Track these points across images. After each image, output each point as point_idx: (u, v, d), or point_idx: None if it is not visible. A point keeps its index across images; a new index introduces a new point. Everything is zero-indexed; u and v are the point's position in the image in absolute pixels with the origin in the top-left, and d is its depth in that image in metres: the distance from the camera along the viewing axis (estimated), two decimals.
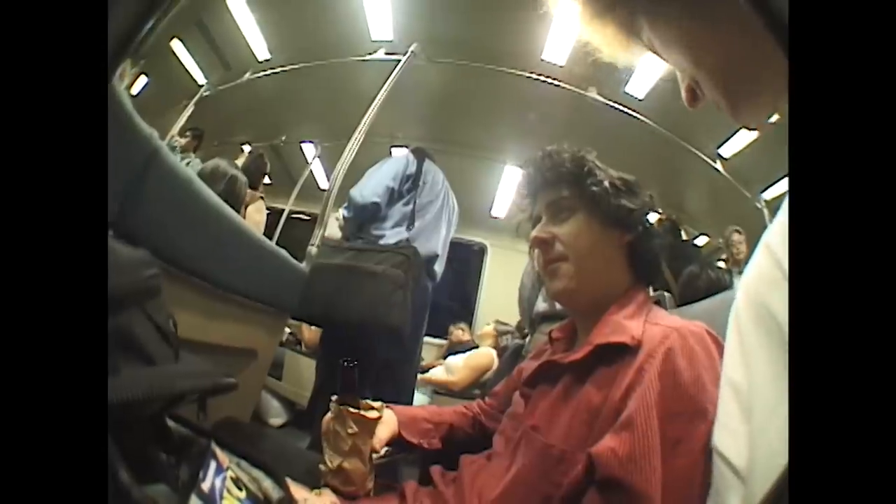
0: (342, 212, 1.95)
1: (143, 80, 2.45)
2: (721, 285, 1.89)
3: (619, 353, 0.65)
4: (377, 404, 0.83)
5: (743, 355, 0.47)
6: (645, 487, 0.53)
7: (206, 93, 3.16)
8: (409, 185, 1.96)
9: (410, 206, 1.93)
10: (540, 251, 0.78)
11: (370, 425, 0.80)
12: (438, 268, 2.00)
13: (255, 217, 2.29)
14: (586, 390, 0.66)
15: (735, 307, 0.51)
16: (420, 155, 2.05)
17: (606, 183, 0.76)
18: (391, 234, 1.88)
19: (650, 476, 0.53)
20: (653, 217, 0.80)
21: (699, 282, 1.94)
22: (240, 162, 2.44)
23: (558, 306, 1.72)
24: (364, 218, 1.91)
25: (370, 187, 1.91)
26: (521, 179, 0.85)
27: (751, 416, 0.44)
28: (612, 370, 0.64)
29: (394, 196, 1.92)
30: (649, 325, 0.67)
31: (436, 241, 1.96)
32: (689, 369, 0.58)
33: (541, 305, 1.77)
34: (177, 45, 2.96)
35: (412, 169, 1.98)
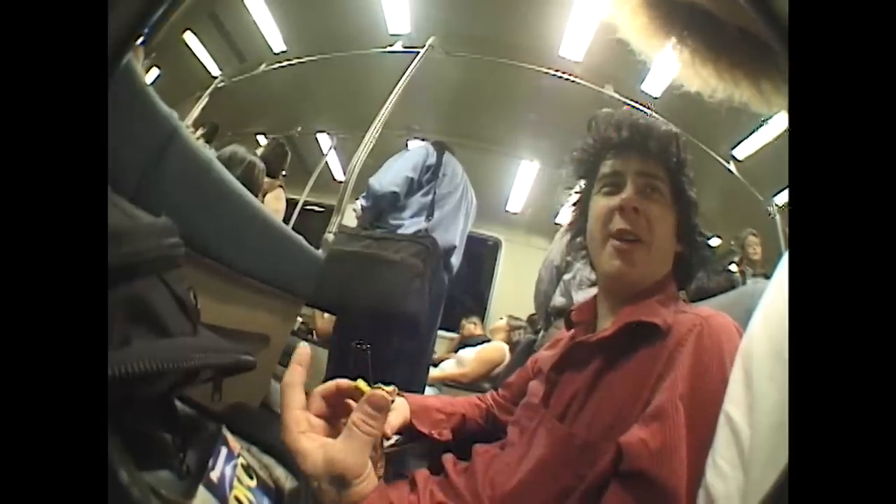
0: (360, 201, 1.95)
1: (154, 72, 2.45)
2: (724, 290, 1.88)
3: (649, 337, 0.63)
4: (389, 388, 0.82)
5: (748, 396, 0.46)
6: (673, 481, 0.52)
7: (221, 84, 3.16)
8: (429, 175, 1.96)
9: (430, 197, 1.93)
10: (623, 219, 0.72)
11: None
12: (455, 260, 2.00)
13: (273, 205, 2.31)
14: (614, 378, 0.64)
15: (749, 340, 0.50)
16: (440, 147, 2.05)
17: (693, 192, 0.75)
18: (409, 224, 1.88)
19: (678, 469, 0.52)
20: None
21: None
22: (258, 152, 2.44)
23: (576, 301, 1.71)
24: (382, 207, 1.92)
25: (389, 177, 1.92)
26: (604, 122, 0.77)
27: (748, 466, 0.43)
28: (641, 356, 0.63)
29: (413, 186, 1.93)
30: (679, 312, 0.66)
31: (454, 233, 1.97)
32: (716, 362, 0.57)
33: (558, 300, 1.76)
34: (189, 38, 2.97)
35: (432, 160, 1.99)
